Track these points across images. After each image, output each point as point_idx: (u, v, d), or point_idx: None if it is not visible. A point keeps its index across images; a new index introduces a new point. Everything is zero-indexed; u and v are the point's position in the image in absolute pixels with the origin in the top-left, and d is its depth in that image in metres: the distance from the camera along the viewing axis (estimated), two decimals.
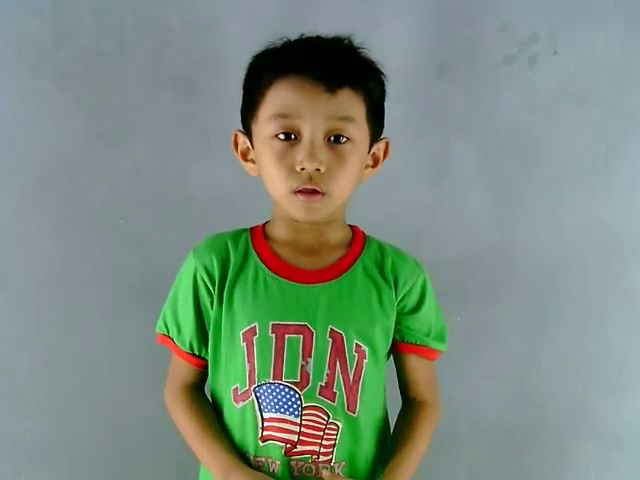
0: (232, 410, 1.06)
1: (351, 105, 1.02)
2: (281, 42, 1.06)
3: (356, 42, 1.06)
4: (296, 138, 1.01)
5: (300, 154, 1.00)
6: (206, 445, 1.05)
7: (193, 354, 1.10)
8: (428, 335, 1.13)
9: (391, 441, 1.11)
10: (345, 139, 1.02)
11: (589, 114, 1.54)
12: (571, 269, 1.57)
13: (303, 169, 1.00)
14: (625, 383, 1.59)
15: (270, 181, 1.05)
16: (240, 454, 1.05)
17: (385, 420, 1.13)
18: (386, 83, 1.09)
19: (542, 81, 1.53)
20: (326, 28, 1.06)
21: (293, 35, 1.06)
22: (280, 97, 1.01)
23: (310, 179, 1.01)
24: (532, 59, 1.53)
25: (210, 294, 1.08)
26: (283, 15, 1.47)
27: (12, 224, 1.50)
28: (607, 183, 1.56)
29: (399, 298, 1.11)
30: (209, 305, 1.08)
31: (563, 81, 1.54)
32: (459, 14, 1.52)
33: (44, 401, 1.52)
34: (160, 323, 1.13)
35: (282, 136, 1.01)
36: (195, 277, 1.09)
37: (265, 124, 1.03)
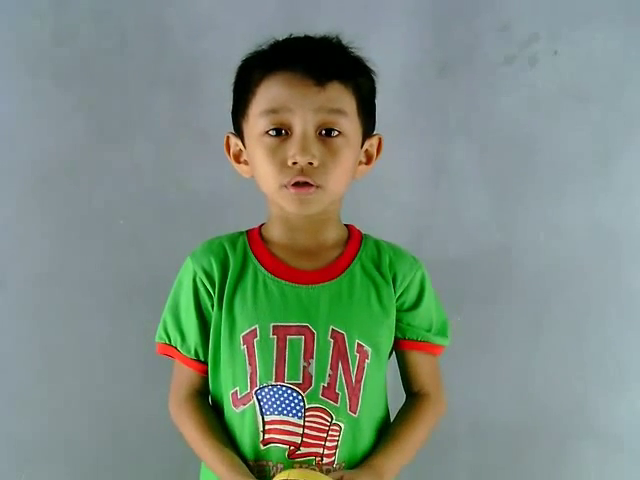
0: (231, 414, 1.06)
1: (341, 98, 1.02)
2: (269, 43, 1.06)
3: (348, 41, 1.06)
4: (287, 134, 1.01)
5: (292, 148, 1.00)
6: (217, 455, 1.02)
7: (198, 360, 1.09)
8: (429, 331, 1.13)
9: (388, 430, 1.10)
10: (337, 132, 1.02)
11: (589, 114, 1.54)
12: (570, 269, 1.57)
13: (295, 163, 1.00)
14: (625, 383, 1.59)
15: (262, 178, 1.05)
16: (242, 459, 1.03)
17: (386, 420, 1.12)
18: (376, 80, 1.09)
19: (542, 81, 1.54)
20: (327, 28, 1.06)
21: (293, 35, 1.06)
22: (270, 93, 1.01)
23: (302, 172, 1.00)
24: (532, 59, 1.53)
25: (210, 297, 1.08)
26: (284, 15, 1.47)
27: (12, 224, 1.50)
28: (607, 183, 1.56)
29: (397, 294, 1.10)
30: (210, 308, 1.08)
31: (563, 81, 1.54)
32: (459, 14, 1.52)
33: (44, 401, 1.52)
34: (160, 332, 1.11)
35: (273, 132, 1.01)
36: (195, 281, 1.08)
37: (256, 121, 1.03)
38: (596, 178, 1.56)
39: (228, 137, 1.10)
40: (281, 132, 1.01)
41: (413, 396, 1.14)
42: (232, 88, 1.09)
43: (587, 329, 1.58)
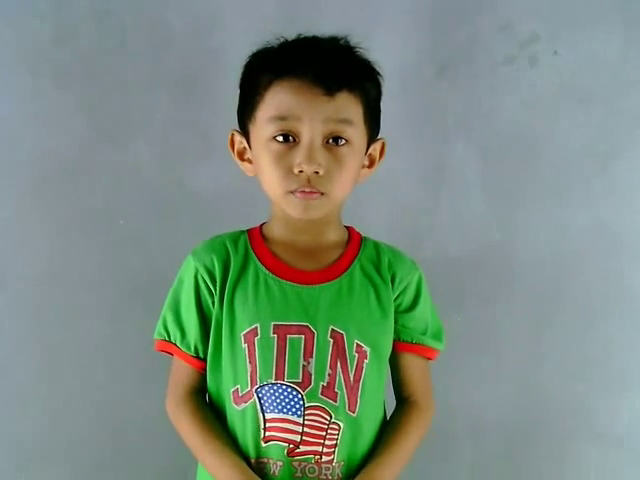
0: (232, 412, 1.06)
1: (349, 108, 1.03)
2: (278, 42, 1.06)
3: (354, 41, 1.06)
4: (294, 140, 1.02)
5: (299, 157, 1.01)
6: (215, 456, 1.03)
7: (198, 357, 1.09)
8: (424, 333, 1.13)
9: (381, 439, 1.10)
10: (343, 141, 1.03)
11: (589, 114, 1.54)
12: (571, 269, 1.57)
13: (301, 171, 1.01)
14: (625, 383, 1.59)
15: (268, 182, 1.05)
16: (242, 457, 1.04)
17: (383, 420, 1.13)
18: (382, 83, 1.09)
19: (542, 81, 1.54)
20: (326, 28, 1.06)
21: (292, 35, 1.06)
22: (279, 99, 1.01)
23: (308, 181, 1.01)
24: (532, 59, 1.53)
25: (211, 294, 1.08)
26: (283, 15, 1.47)
27: (12, 224, 1.50)
28: (607, 183, 1.56)
29: (395, 295, 1.11)
30: (211, 305, 1.08)
31: (563, 81, 1.54)
32: (459, 14, 1.52)
33: (44, 401, 1.52)
34: (160, 329, 1.12)
35: (280, 138, 1.02)
36: (196, 278, 1.09)
37: (263, 126, 1.03)
38: (597, 178, 1.56)
39: (233, 134, 1.11)
40: (288, 138, 1.02)
41: (403, 403, 1.14)
42: (239, 84, 1.09)
43: (588, 329, 1.58)
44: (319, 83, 0.99)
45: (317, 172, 1.01)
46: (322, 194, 1.03)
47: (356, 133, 1.04)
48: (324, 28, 1.06)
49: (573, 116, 1.54)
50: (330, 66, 1.01)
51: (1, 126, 1.48)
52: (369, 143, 1.09)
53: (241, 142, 1.10)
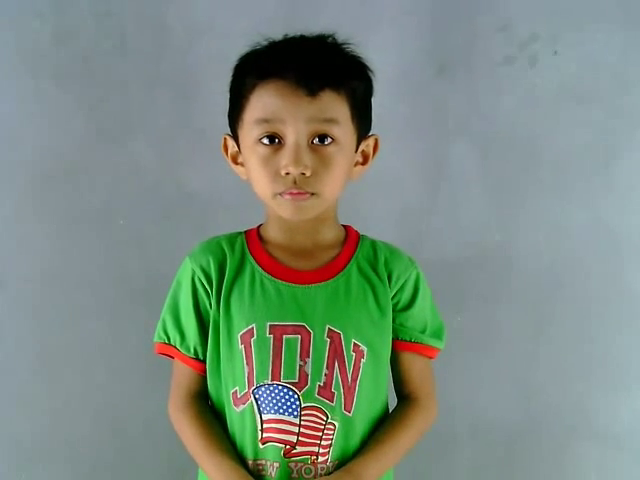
0: (232, 414, 1.06)
1: (333, 107, 1.02)
2: (265, 43, 1.05)
3: (344, 39, 1.05)
4: (280, 142, 1.02)
5: (284, 159, 1.00)
6: (214, 461, 1.03)
7: (197, 359, 1.09)
8: (423, 332, 1.13)
9: (374, 434, 1.09)
10: (329, 140, 1.02)
11: (589, 114, 1.54)
12: (571, 269, 1.57)
13: (288, 173, 1.01)
14: (625, 383, 1.59)
15: (256, 185, 1.05)
16: (241, 458, 1.04)
17: (382, 420, 1.12)
18: (373, 78, 1.08)
19: (542, 81, 1.54)
20: (326, 28, 1.06)
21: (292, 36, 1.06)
22: (262, 102, 1.01)
23: (295, 183, 1.01)
24: (532, 59, 1.53)
25: (208, 296, 1.08)
26: (283, 15, 1.47)
27: (12, 224, 1.50)
28: (607, 183, 1.56)
29: (392, 294, 1.11)
30: (208, 307, 1.08)
31: (563, 81, 1.54)
32: (459, 14, 1.52)
33: (44, 401, 1.52)
34: (159, 332, 1.12)
35: (266, 140, 1.02)
36: (193, 280, 1.09)
37: (249, 129, 1.03)
38: (597, 178, 1.56)
39: (225, 138, 1.11)
40: (274, 140, 1.02)
41: (403, 400, 1.14)
42: (229, 88, 1.08)
43: (588, 329, 1.58)
44: (301, 84, 0.99)
45: (304, 173, 1.00)
46: (312, 194, 1.02)
47: (343, 132, 1.03)
48: (324, 29, 1.05)
49: (573, 116, 1.54)
50: (313, 66, 1.00)
51: (1, 126, 1.48)
52: (359, 140, 1.08)
53: (233, 146, 1.10)
